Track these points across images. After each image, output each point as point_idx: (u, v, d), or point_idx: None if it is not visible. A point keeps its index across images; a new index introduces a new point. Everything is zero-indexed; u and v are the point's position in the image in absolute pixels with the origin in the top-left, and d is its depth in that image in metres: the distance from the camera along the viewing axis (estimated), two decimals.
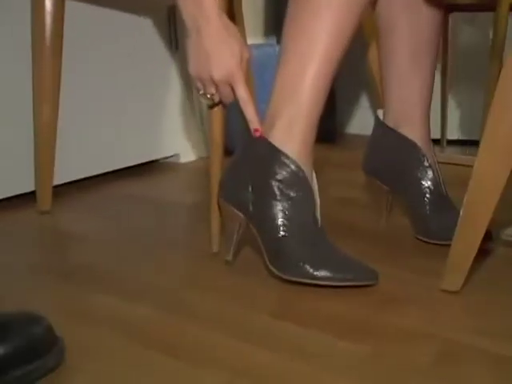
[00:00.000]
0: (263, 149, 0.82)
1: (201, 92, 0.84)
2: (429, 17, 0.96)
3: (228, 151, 0.93)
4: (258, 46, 1.65)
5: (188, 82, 1.59)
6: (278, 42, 1.52)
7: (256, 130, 0.82)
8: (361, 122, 2.06)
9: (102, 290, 0.83)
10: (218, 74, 0.80)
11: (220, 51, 0.79)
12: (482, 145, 0.73)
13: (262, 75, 1.30)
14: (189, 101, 1.64)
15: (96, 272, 0.89)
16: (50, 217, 1.17)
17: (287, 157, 0.80)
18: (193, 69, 0.82)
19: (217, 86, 0.82)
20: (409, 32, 0.95)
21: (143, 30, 1.48)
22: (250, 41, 1.30)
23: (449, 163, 1.50)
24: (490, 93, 1.36)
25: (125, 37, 1.42)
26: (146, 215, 1.19)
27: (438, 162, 0.97)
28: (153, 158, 1.57)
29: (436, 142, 1.15)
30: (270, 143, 0.81)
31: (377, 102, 1.62)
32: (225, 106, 0.89)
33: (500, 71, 0.72)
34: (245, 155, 0.84)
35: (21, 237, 1.07)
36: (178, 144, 1.63)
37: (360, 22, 0.82)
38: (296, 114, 0.80)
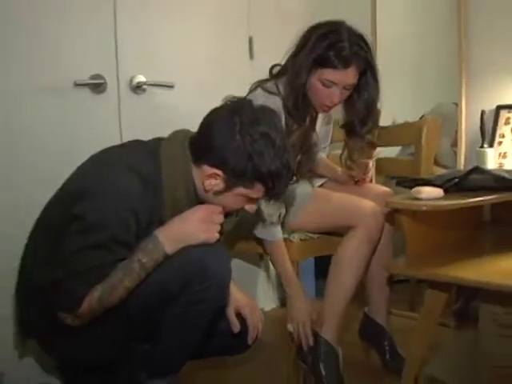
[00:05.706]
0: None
1: (293, 331, 1.68)
2: None
3: None
4: None
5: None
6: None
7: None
8: None
9: None
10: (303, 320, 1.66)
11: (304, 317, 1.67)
12: None
13: None
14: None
15: None
16: None
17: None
18: (294, 315, 1.66)
19: (305, 327, 1.66)
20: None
21: None
22: None
23: None
24: None
25: None
26: None
27: None
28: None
29: None
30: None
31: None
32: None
33: None
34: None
35: None
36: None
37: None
38: (337, 316, 1.67)
